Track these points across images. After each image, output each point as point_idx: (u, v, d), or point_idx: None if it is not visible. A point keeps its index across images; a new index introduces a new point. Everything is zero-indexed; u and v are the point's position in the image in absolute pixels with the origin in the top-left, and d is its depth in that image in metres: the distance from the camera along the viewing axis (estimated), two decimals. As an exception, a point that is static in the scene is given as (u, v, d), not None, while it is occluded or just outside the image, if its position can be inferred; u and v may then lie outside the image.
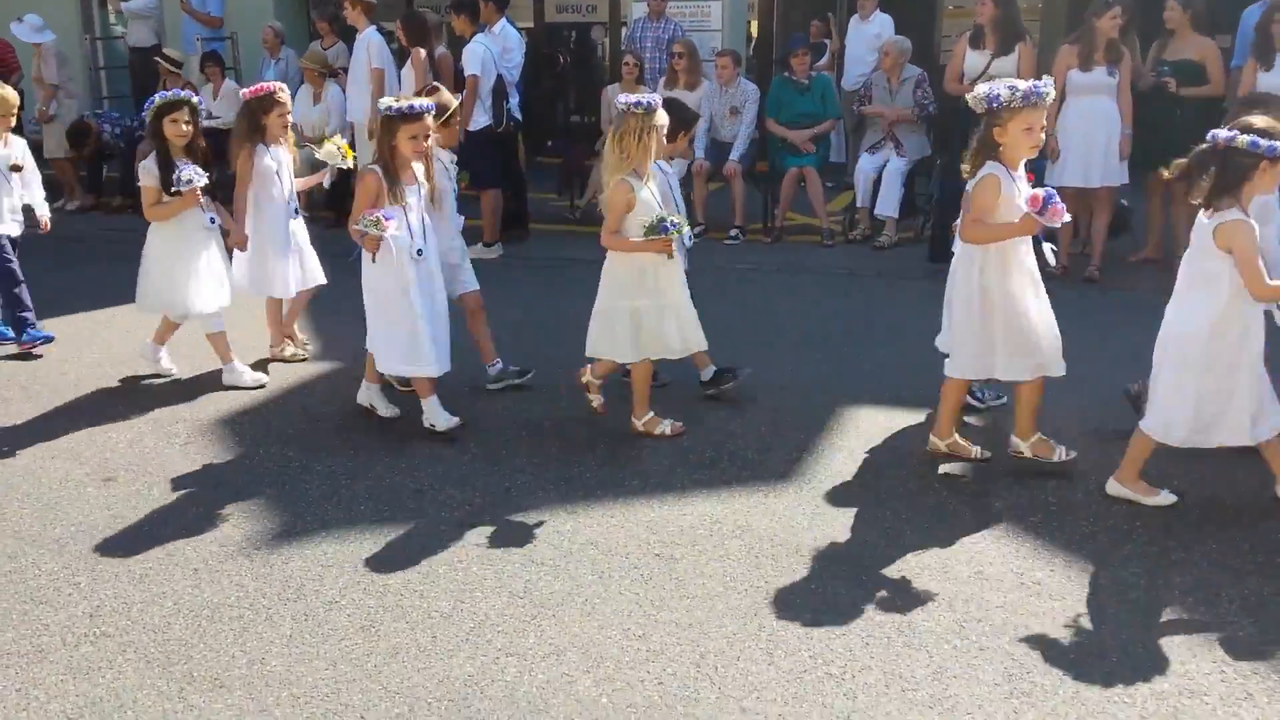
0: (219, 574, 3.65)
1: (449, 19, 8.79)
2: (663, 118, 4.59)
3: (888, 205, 8.44)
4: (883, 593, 3.49)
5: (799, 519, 4.00)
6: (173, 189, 5.25)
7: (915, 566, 3.64)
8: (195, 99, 5.45)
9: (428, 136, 4.62)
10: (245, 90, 5.64)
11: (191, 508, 4.15)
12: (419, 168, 4.74)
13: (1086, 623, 3.31)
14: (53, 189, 11.18)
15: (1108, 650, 3.17)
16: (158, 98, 5.34)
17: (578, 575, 3.62)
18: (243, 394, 5.39)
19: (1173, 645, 3.19)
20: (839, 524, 3.96)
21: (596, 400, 4.96)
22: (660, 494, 4.22)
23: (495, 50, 8.29)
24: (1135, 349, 4.48)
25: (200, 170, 5.28)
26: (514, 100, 8.57)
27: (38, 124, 10.33)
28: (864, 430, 4.83)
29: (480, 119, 8.22)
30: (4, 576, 3.65)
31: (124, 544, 3.86)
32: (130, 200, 10.52)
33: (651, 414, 4.79)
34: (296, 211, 5.75)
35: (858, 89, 9.56)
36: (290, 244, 5.70)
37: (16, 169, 6.06)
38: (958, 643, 3.21)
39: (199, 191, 5.28)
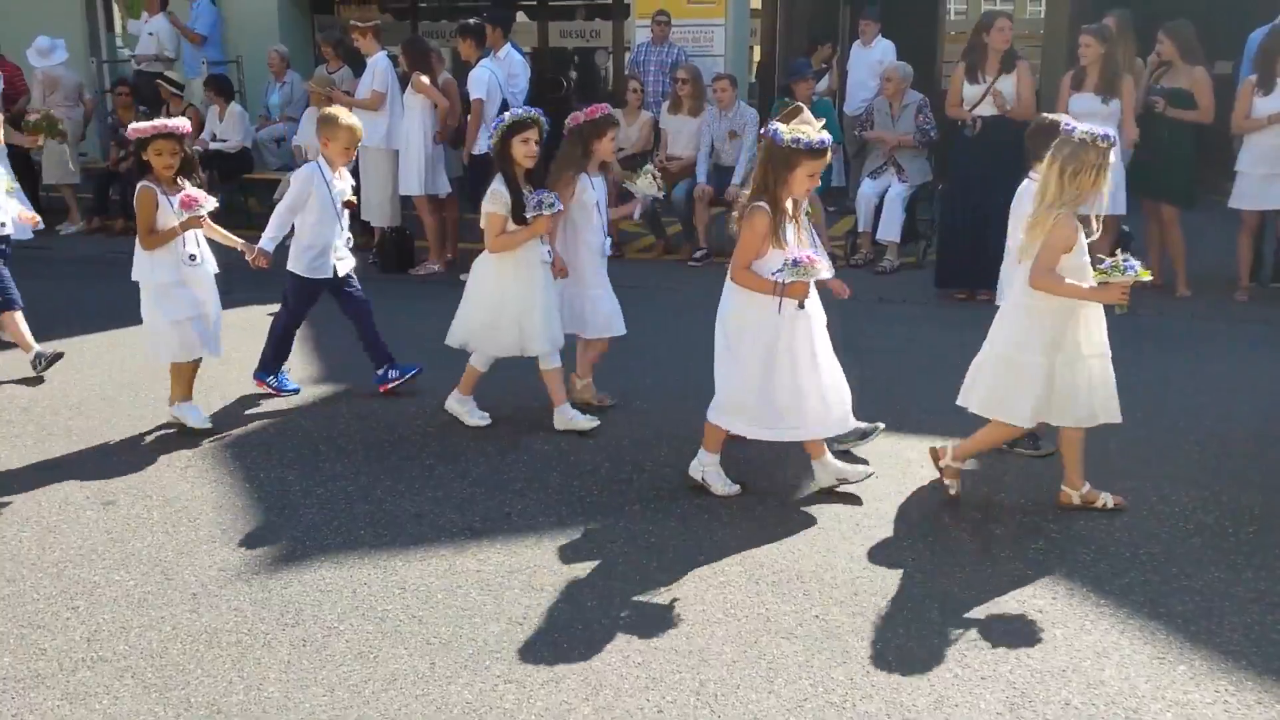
0: (217, 599, 3.64)
1: (454, 44, 8.83)
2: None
3: (890, 230, 8.46)
4: (884, 620, 3.47)
5: (799, 545, 3.98)
6: (526, 213, 4.82)
7: (917, 594, 3.63)
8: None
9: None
10: (576, 114, 5.06)
11: (191, 532, 4.14)
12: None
13: (1088, 651, 3.29)
14: (56, 214, 11.30)
15: (1109, 679, 3.15)
16: (508, 116, 4.91)
17: (578, 601, 3.60)
18: (242, 418, 5.39)
19: (1175, 674, 3.17)
20: (840, 550, 3.94)
21: (954, 487, 4.35)
22: (661, 519, 4.21)
23: (500, 75, 8.33)
24: (1139, 375, 4.47)
25: (551, 192, 4.86)
26: None
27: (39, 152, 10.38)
28: (866, 456, 4.81)
29: (485, 143, 8.25)
30: (2, 600, 3.63)
31: (123, 568, 3.85)
32: (133, 223, 10.60)
33: (1088, 484, 4.26)
34: (611, 247, 5.35)
35: (859, 114, 9.61)
36: (608, 282, 5.25)
37: None
38: (959, 671, 3.19)
39: (548, 219, 4.87)
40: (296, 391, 5.74)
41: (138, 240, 5.09)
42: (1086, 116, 7.08)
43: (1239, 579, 3.69)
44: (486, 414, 5.23)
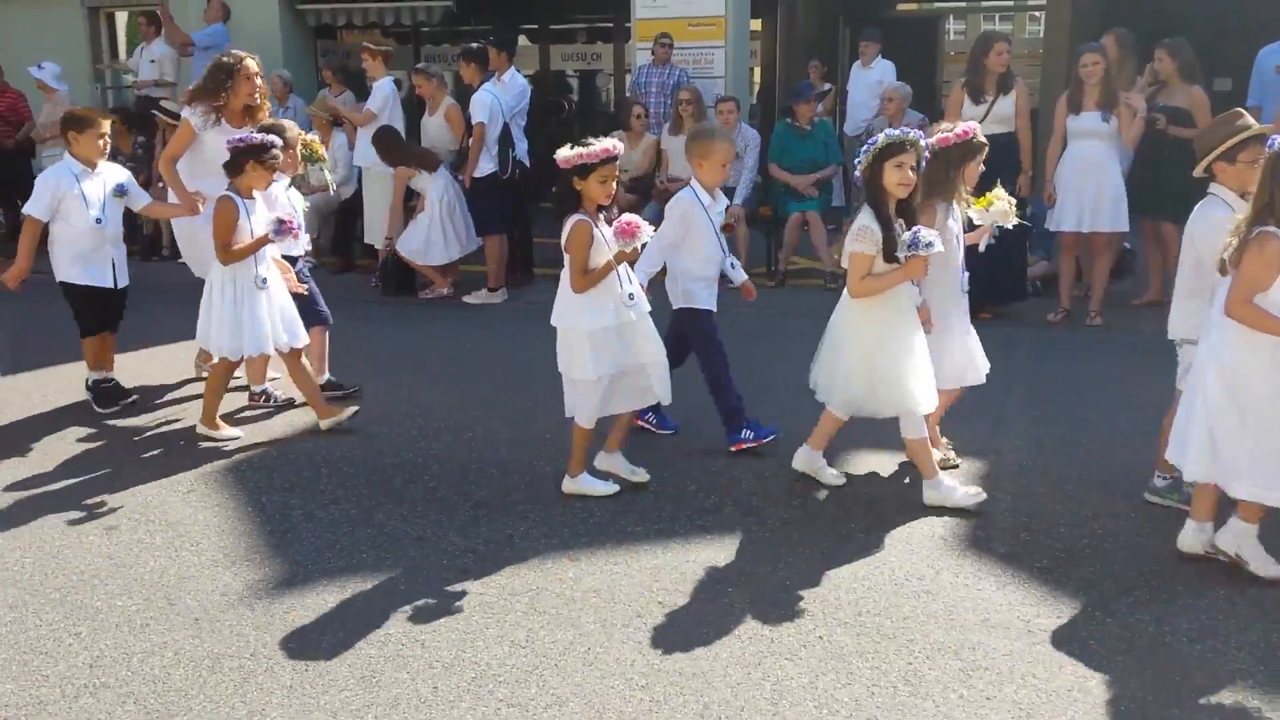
0: (220, 624, 3.63)
1: (458, 67, 8.89)
2: None
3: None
4: (889, 641, 3.45)
5: (803, 566, 3.97)
6: (899, 253, 4.19)
7: (921, 614, 3.61)
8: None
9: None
10: (944, 134, 4.45)
11: (193, 557, 4.13)
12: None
13: (1094, 671, 3.27)
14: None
15: (1116, 699, 3.13)
16: (880, 138, 4.25)
17: (581, 624, 3.59)
18: (244, 442, 5.39)
19: (1181, 693, 3.15)
20: (844, 571, 3.93)
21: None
22: (664, 541, 4.20)
23: (503, 98, 8.38)
24: (1141, 393, 4.47)
25: (930, 230, 4.21)
26: (521, 147, 8.66)
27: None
28: (868, 476, 4.81)
29: (486, 166, 8.30)
30: (4, 626, 3.63)
31: (125, 593, 3.85)
32: (135, 249, 10.63)
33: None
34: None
35: (859, 134, 9.64)
36: (966, 329, 4.68)
37: None
38: (964, 692, 3.17)
39: (923, 261, 4.20)
40: (675, 430, 5.37)
41: (566, 283, 4.39)
42: (1088, 135, 7.14)
43: (1244, 596, 3.68)
44: (841, 474, 4.74)
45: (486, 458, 5.10)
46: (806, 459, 4.71)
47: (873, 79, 10.61)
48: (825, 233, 8.72)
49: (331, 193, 8.93)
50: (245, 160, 5.17)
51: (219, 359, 5.38)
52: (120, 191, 5.73)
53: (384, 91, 8.75)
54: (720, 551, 4.10)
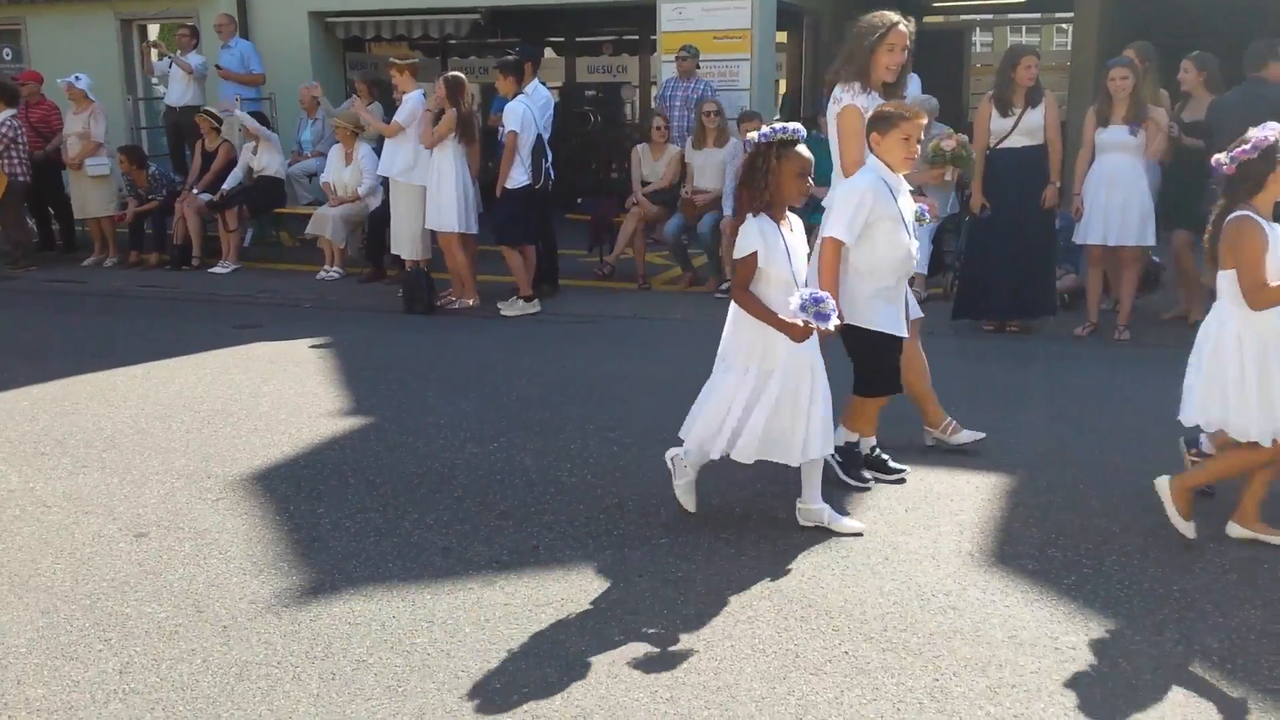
0: (248, 631, 3.66)
1: (495, 78, 8.91)
2: None
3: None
4: (915, 657, 3.44)
5: (828, 579, 3.96)
6: None
7: (948, 630, 3.60)
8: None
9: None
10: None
11: (222, 564, 4.17)
12: None
13: (1122, 690, 3.24)
14: (88, 248, 11.49)
15: (1144, 718, 3.10)
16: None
17: (605, 635, 3.59)
18: (272, 451, 5.43)
19: (1211, 713, 3.12)
20: (869, 585, 3.92)
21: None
22: (689, 553, 4.20)
23: (535, 109, 8.41)
24: (1170, 409, 4.44)
25: None
26: (549, 158, 8.70)
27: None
28: (893, 488, 4.79)
29: (520, 177, 8.30)
30: (35, 632, 3.67)
31: (154, 600, 3.88)
32: (166, 257, 10.79)
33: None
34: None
35: (885, 147, 9.62)
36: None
37: None
38: (991, 709, 3.15)
39: None
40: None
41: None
42: (1116, 148, 7.11)
43: (1275, 616, 3.64)
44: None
45: (512, 468, 5.12)
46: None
47: (898, 92, 10.59)
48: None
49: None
50: (1267, 172, 3.90)
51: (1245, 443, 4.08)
52: None
53: (412, 103, 8.81)
54: (745, 565, 4.10)
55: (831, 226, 4.46)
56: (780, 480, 4.88)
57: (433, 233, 8.75)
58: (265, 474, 5.13)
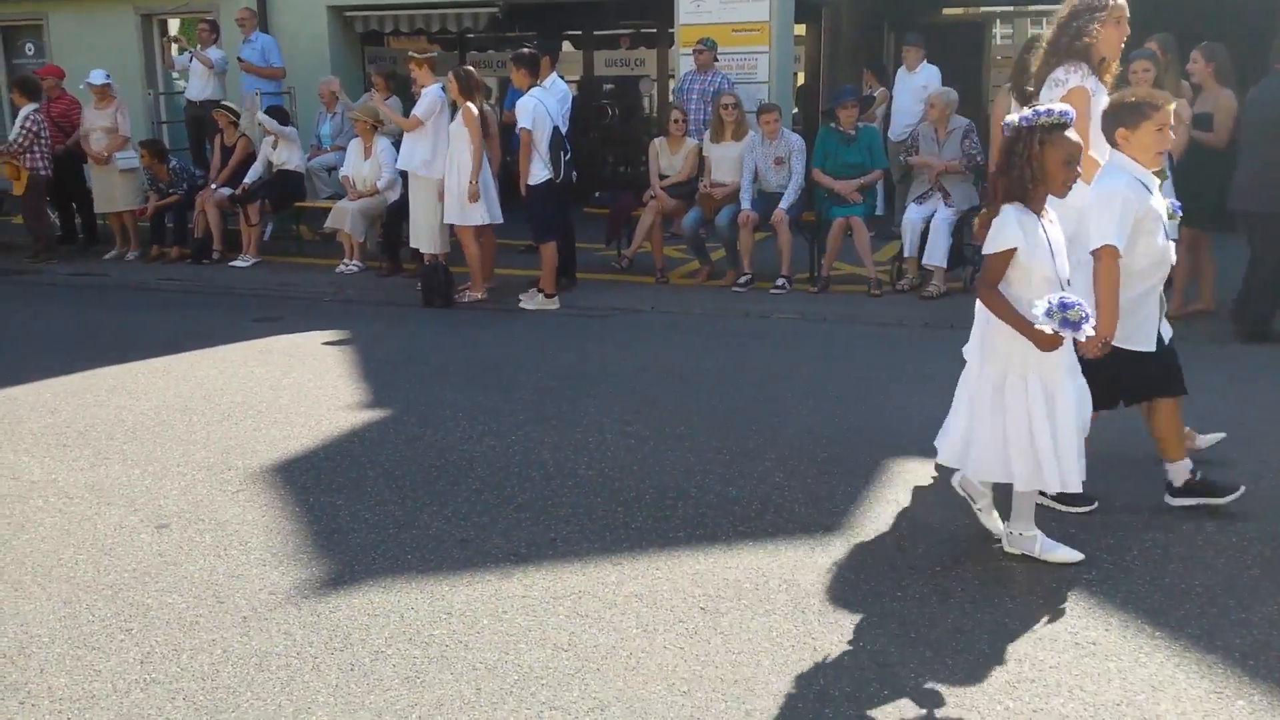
0: (268, 622, 3.68)
1: (510, 70, 8.91)
2: None
3: (935, 255, 8.42)
4: (933, 651, 3.43)
5: (847, 574, 3.95)
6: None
7: (967, 624, 3.58)
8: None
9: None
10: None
11: (242, 555, 4.19)
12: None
13: (1143, 685, 3.23)
14: (108, 241, 11.57)
15: (1165, 714, 3.08)
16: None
17: (622, 628, 3.60)
18: (292, 443, 5.46)
19: (1233, 710, 3.10)
20: (888, 579, 3.91)
21: None
22: (706, 546, 4.20)
23: (550, 103, 8.38)
24: (1187, 404, 4.40)
25: None
26: (568, 152, 8.68)
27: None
28: (912, 483, 4.78)
29: (540, 172, 8.27)
30: (58, 622, 3.71)
31: (175, 590, 3.91)
32: (186, 251, 10.86)
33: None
34: None
35: (904, 140, 9.59)
36: None
37: None
38: (1010, 704, 3.14)
39: None
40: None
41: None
42: None
43: (1299, 612, 3.61)
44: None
45: (530, 461, 5.13)
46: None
47: (917, 84, 10.55)
48: (869, 238, 8.68)
49: None
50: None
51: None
52: None
53: (431, 97, 8.82)
54: (763, 558, 4.09)
55: (1103, 234, 4.00)
56: (797, 473, 4.88)
57: (450, 225, 8.77)
58: (285, 466, 5.16)
